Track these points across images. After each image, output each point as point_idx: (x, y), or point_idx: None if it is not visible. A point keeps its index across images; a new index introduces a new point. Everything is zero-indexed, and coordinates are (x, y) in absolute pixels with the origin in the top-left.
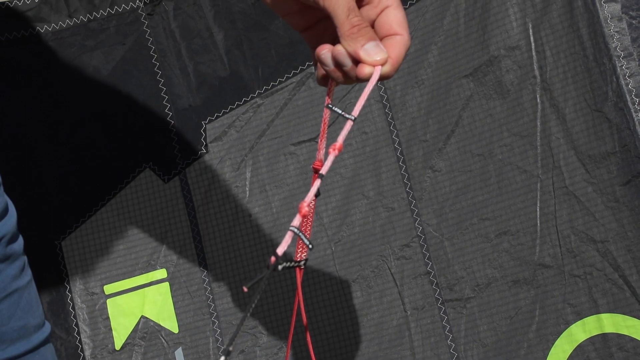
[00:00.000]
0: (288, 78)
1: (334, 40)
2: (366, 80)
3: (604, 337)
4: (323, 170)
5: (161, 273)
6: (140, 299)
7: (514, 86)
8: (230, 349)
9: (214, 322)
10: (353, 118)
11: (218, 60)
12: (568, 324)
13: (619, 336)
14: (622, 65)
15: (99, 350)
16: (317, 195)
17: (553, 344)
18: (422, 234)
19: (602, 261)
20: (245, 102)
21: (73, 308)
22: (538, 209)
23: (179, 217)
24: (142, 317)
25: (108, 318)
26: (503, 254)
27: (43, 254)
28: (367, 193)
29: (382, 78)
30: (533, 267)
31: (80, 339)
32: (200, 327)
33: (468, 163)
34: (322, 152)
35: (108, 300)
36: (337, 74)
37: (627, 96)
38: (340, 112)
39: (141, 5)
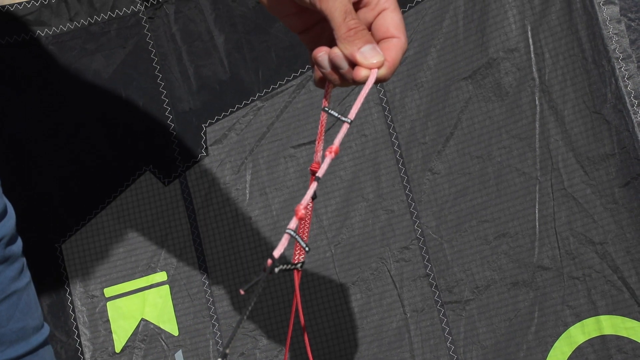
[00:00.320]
0: (288, 81)
1: (332, 42)
2: (362, 83)
3: (603, 338)
4: (319, 173)
5: (161, 276)
6: (140, 301)
7: (513, 88)
8: (227, 351)
9: (214, 325)
10: (349, 121)
11: (218, 63)
12: (567, 326)
13: (618, 338)
14: (621, 67)
15: (99, 353)
16: (314, 197)
17: (552, 345)
18: (422, 236)
19: (601, 263)
20: (246, 105)
21: (73, 311)
22: (537, 211)
23: (179, 219)
24: (142, 319)
25: (108, 321)
26: (502, 256)
27: (43, 256)
28: (366, 195)
29: (379, 81)
30: (532, 269)
31: (80, 341)
32: (200, 329)
33: (467, 165)
34: (320, 154)
35: (108, 303)
36: (334, 77)
37: (626, 98)
38: (336, 114)
39: (142, 8)
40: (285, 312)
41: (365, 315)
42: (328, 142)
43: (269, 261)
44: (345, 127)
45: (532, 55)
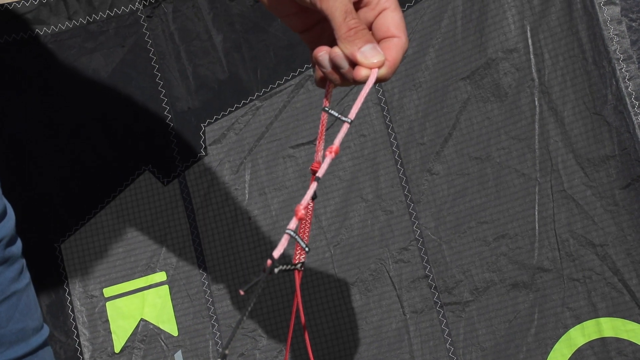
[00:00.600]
0: (287, 80)
1: (332, 42)
2: (363, 82)
3: (603, 341)
4: (319, 173)
5: (160, 276)
6: (139, 301)
7: (512, 89)
8: (227, 352)
9: (213, 325)
10: (349, 121)
11: (217, 63)
12: (567, 328)
13: (618, 340)
14: (622, 68)
15: (99, 353)
16: (314, 197)
17: (552, 348)
18: (420, 237)
19: (601, 265)
20: (244, 104)
21: (72, 311)
22: (536, 212)
23: (178, 219)
24: (142, 320)
25: (107, 321)
26: (501, 258)
27: (42, 256)
28: (365, 196)
29: (379, 81)
30: (532, 271)
31: (79, 342)
32: (199, 330)
33: (466, 166)
34: (321, 154)
35: (107, 303)
36: (335, 76)
37: (627, 99)
38: (336, 114)
39: (140, 7)
40: (284, 313)
41: (364, 317)
42: (327, 141)
43: (269, 261)
44: (345, 127)
45: (532, 56)
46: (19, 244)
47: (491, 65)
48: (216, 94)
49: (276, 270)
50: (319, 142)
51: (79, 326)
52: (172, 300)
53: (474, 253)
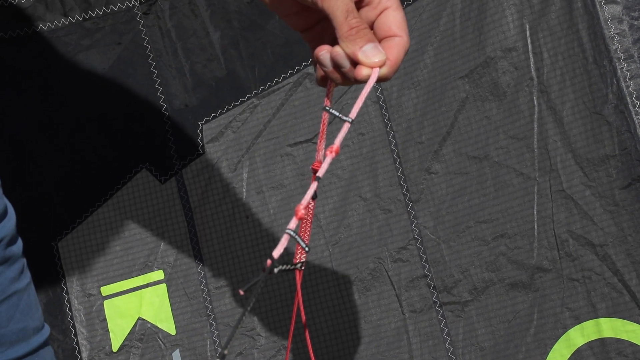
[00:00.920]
0: (285, 78)
1: (334, 41)
2: (364, 82)
3: (602, 341)
4: (320, 173)
5: (158, 274)
6: (137, 300)
7: (511, 88)
8: (226, 352)
9: (211, 324)
10: (350, 120)
11: (214, 60)
12: (566, 328)
13: (618, 341)
14: (623, 68)
15: (96, 352)
16: (314, 197)
17: (551, 348)
18: (419, 237)
19: (601, 265)
20: (242, 102)
21: (70, 309)
22: (535, 212)
23: (176, 218)
24: (140, 318)
25: (105, 320)
26: (500, 257)
27: (39, 254)
28: (364, 195)
29: (380, 80)
30: (531, 271)
31: (77, 340)
32: (197, 329)
33: (464, 165)
34: (321, 153)
35: (105, 302)
36: (336, 75)
37: (628, 99)
38: (337, 114)
39: (137, 4)
40: (283, 312)
41: (363, 316)
42: (327, 139)
43: (269, 261)
44: (346, 127)
45: (531, 55)
46: (19, 243)
47: (490, 64)
48: (213, 92)
49: (276, 270)
50: (320, 141)
51: (77, 325)
52: (169, 298)
53: (472, 253)
